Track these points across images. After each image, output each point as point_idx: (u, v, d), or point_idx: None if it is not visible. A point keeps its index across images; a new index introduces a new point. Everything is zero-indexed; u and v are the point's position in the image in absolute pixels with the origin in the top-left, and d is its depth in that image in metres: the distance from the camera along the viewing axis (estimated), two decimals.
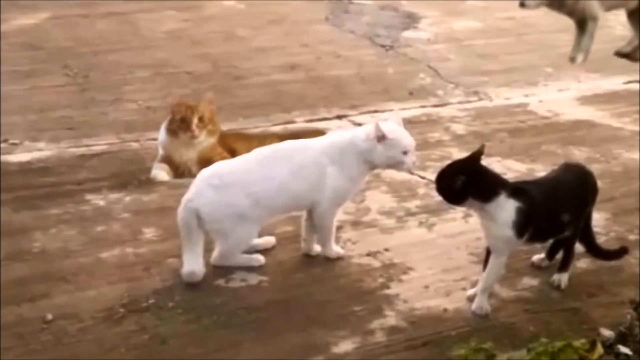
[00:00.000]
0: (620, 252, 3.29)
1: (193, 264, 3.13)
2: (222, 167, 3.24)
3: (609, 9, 5.11)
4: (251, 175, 3.15)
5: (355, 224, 3.60)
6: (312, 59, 5.66)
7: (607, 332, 2.87)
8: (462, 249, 3.42)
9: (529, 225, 2.92)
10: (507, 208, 2.88)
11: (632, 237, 3.54)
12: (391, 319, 2.97)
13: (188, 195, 3.17)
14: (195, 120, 3.83)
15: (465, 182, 2.83)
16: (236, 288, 3.13)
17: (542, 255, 3.33)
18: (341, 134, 3.39)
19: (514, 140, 4.48)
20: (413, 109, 4.84)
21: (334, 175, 3.19)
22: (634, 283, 3.21)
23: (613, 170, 4.12)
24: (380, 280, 3.21)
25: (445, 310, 3.03)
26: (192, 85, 5.16)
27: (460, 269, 3.29)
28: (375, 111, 4.81)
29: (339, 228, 3.54)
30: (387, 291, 3.14)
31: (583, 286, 3.19)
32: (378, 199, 3.77)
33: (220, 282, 3.16)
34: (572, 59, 4.99)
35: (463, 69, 5.52)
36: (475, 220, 3.54)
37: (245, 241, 3.23)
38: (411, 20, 6.54)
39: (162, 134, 3.95)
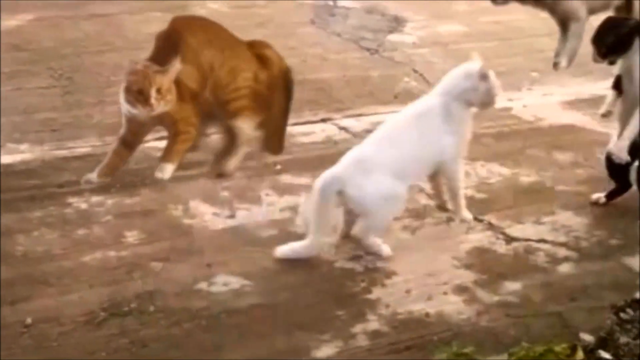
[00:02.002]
0: None
1: (306, 249, 3.26)
2: (367, 150, 3.36)
3: (593, 10, 5.10)
4: (387, 153, 3.31)
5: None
6: (297, 61, 5.63)
7: (588, 337, 2.88)
8: (446, 253, 3.43)
9: None
10: None
11: (614, 241, 3.55)
12: (374, 323, 2.97)
13: (335, 172, 3.27)
14: (153, 94, 3.61)
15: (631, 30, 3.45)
16: (218, 292, 3.12)
17: (602, 194, 3.73)
18: (430, 96, 3.53)
19: (499, 145, 4.49)
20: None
21: (448, 131, 3.40)
22: (616, 287, 3.22)
23: (597, 175, 4.12)
24: (363, 284, 3.21)
25: (427, 314, 3.03)
26: None
27: (443, 273, 3.30)
28: (360, 115, 4.81)
29: None
30: (369, 295, 3.14)
31: (565, 290, 3.20)
32: None
33: (203, 285, 3.15)
34: (556, 65, 4.96)
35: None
36: (457, 225, 3.57)
37: (390, 219, 3.39)
38: (397, 23, 6.54)
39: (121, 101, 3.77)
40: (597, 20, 3.98)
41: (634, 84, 3.56)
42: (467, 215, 3.62)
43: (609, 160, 3.69)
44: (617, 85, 3.67)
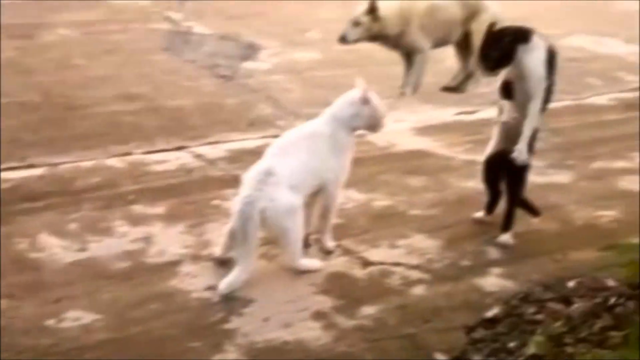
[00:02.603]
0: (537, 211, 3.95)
1: (244, 273, 3.25)
2: (268, 163, 3.40)
3: (435, 44, 5.31)
4: (285, 165, 3.39)
5: (195, 258, 3.53)
6: (150, 89, 5.56)
7: (442, 357, 2.94)
8: (303, 279, 3.42)
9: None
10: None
11: (464, 262, 3.66)
12: (231, 353, 2.93)
13: (248, 193, 3.28)
14: None
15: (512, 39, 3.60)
16: (68, 328, 3.00)
17: (482, 212, 3.92)
18: (319, 119, 3.62)
19: (355, 170, 4.51)
20: (253, 140, 4.82)
21: (333, 155, 3.53)
22: (467, 308, 3.31)
23: (447, 198, 4.25)
24: (220, 314, 3.16)
25: (285, 342, 3.01)
26: (22, 116, 4.94)
27: (302, 299, 3.29)
28: (216, 142, 4.77)
29: (179, 262, 3.47)
30: (227, 325, 3.09)
31: (419, 312, 3.26)
32: (219, 232, 3.71)
33: (51, 322, 3.01)
34: (402, 94, 5.15)
35: (304, 100, 5.56)
36: (315, 251, 3.58)
37: (302, 233, 3.42)
38: (251, 50, 6.55)
39: None
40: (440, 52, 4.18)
41: (527, 86, 3.70)
42: (330, 242, 3.66)
43: (489, 167, 3.87)
44: (504, 92, 3.81)
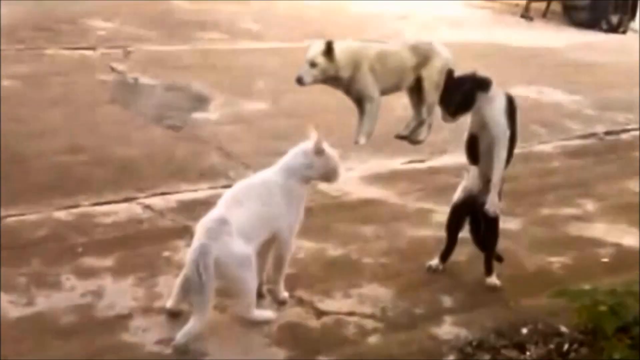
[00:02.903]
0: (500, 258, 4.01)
1: (200, 322, 3.19)
2: (222, 212, 3.36)
3: (385, 91, 5.35)
4: (237, 214, 3.34)
5: (147, 311, 3.47)
6: (98, 140, 5.48)
7: None
8: (257, 331, 3.38)
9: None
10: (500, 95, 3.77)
11: (419, 310, 3.65)
12: None
13: (203, 242, 3.21)
14: None
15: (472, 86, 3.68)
16: None
17: (437, 260, 3.95)
18: (272, 168, 3.61)
19: (307, 219, 4.48)
20: (204, 190, 4.78)
21: (286, 205, 3.50)
22: (423, 356, 3.31)
23: (399, 246, 4.26)
24: None
25: None
26: None
27: (255, 351, 3.27)
28: (166, 193, 4.71)
29: (129, 316, 3.40)
30: None
31: None
32: (170, 284, 3.65)
33: None
34: (356, 142, 5.19)
35: (255, 150, 5.55)
36: (268, 302, 3.54)
37: (255, 283, 3.39)
38: (200, 101, 6.52)
39: None
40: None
41: (492, 134, 3.76)
42: (284, 293, 3.63)
43: (455, 215, 3.94)
44: (470, 149, 3.85)
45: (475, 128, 3.81)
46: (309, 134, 3.60)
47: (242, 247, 3.30)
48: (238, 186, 3.60)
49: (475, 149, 3.81)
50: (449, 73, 3.84)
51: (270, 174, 3.58)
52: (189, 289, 3.31)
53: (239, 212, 3.37)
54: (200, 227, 3.34)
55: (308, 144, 3.57)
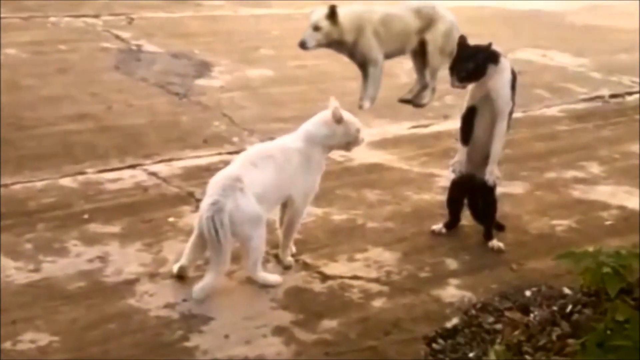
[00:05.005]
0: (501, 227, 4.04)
1: (217, 277, 3.26)
2: (236, 170, 3.39)
3: (388, 54, 5.32)
4: (252, 176, 3.36)
5: (153, 276, 3.49)
6: (102, 108, 5.49)
7: None
8: (263, 295, 3.41)
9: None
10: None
11: (423, 274, 3.67)
12: None
13: (216, 199, 3.23)
14: None
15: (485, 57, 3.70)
16: (25, 350, 2.93)
17: (441, 225, 3.99)
18: (293, 134, 3.62)
19: None
20: (208, 157, 4.80)
21: (304, 172, 3.52)
22: (427, 319, 3.32)
23: (404, 211, 4.27)
24: (180, 332, 3.12)
25: (246, 358, 2.98)
26: None
27: (262, 315, 3.27)
28: (170, 159, 4.73)
29: (136, 281, 3.43)
30: (186, 343, 3.06)
31: (380, 324, 3.26)
32: (175, 249, 3.68)
33: (7, 344, 2.95)
34: (360, 107, 5.18)
35: (258, 116, 5.56)
36: (274, 266, 3.56)
37: (264, 244, 3.42)
38: (204, 68, 6.52)
39: None
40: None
41: (495, 106, 3.78)
42: (289, 258, 3.65)
43: (455, 190, 3.97)
44: (466, 120, 3.86)
45: (476, 100, 3.81)
46: (328, 103, 3.59)
47: (254, 206, 3.32)
48: (254, 149, 3.62)
49: (471, 124, 3.82)
50: (462, 40, 3.82)
51: (290, 141, 3.58)
52: (202, 247, 3.34)
53: (253, 174, 3.39)
54: (214, 184, 3.35)
55: (327, 114, 3.57)
